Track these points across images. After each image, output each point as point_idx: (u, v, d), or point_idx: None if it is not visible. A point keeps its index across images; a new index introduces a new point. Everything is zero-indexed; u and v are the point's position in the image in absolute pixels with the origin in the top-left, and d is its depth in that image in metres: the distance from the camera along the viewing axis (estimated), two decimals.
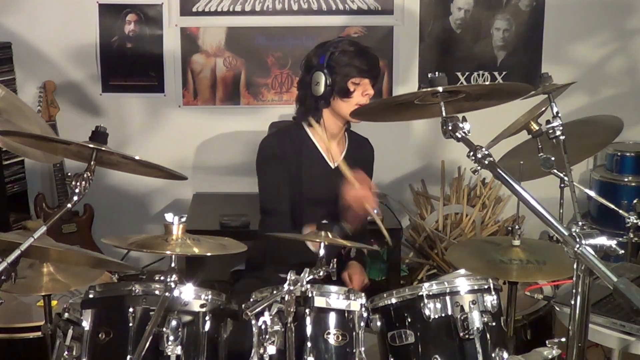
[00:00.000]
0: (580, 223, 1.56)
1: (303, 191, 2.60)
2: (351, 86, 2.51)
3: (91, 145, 1.80)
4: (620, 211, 2.63)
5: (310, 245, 2.41)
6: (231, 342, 2.04)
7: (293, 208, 2.61)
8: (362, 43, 2.62)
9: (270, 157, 2.61)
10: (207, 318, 1.95)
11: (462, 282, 2.01)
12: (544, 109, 2.44)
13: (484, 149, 1.66)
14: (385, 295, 2.03)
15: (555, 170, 2.44)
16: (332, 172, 2.64)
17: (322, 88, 2.51)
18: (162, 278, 1.82)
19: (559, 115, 2.37)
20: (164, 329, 1.83)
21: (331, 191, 2.60)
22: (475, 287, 2.01)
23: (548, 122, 2.38)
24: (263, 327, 1.84)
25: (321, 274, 1.94)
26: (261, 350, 1.84)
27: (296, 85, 2.71)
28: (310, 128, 2.62)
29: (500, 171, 1.63)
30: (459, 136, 1.71)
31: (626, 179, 4.03)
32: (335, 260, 1.99)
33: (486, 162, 1.65)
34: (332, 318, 1.94)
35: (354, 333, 1.95)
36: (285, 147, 2.60)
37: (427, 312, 1.97)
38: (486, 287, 2.01)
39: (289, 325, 1.82)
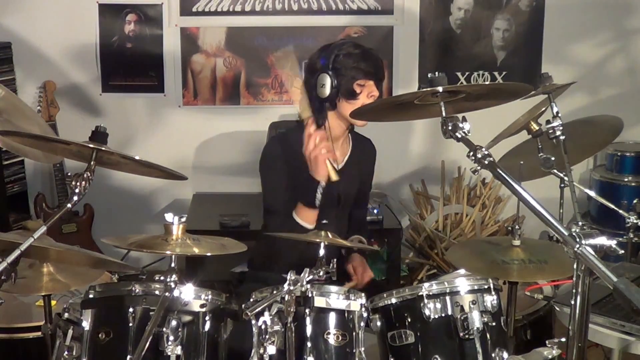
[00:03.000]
0: (580, 223, 1.56)
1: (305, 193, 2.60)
2: (357, 88, 2.50)
3: (91, 145, 1.80)
4: (620, 211, 2.63)
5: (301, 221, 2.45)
6: (231, 342, 2.04)
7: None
8: (363, 43, 2.62)
9: (275, 159, 2.61)
10: (207, 318, 1.95)
11: (462, 282, 2.01)
12: (544, 109, 2.44)
13: (484, 149, 1.66)
14: (385, 295, 2.03)
15: (555, 170, 2.44)
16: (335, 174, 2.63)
17: (327, 90, 2.50)
18: (162, 278, 1.82)
19: (559, 115, 2.37)
20: (164, 329, 1.83)
21: (330, 188, 2.60)
22: (475, 287, 2.01)
23: (548, 122, 2.37)
24: (263, 327, 1.84)
25: (321, 274, 1.94)
26: (261, 350, 1.84)
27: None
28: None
29: (500, 171, 1.63)
30: (459, 136, 1.70)
31: (626, 179, 4.03)
32: (335, 260, 1.99)
33: (486, 162, 1.65)
34: (332, 318, 1.94)
35: (354, 333, 1.95)
36: (290, 148, 2.59)
37: (427, 312, 1.97)
38: (486, 287, 2.01)
39: (289, 325, 1.82)
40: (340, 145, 2.66)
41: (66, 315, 2.00)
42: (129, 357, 1.87)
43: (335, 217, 2.63)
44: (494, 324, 1.97)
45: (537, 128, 2.45)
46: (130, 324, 1.90)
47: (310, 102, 2.58)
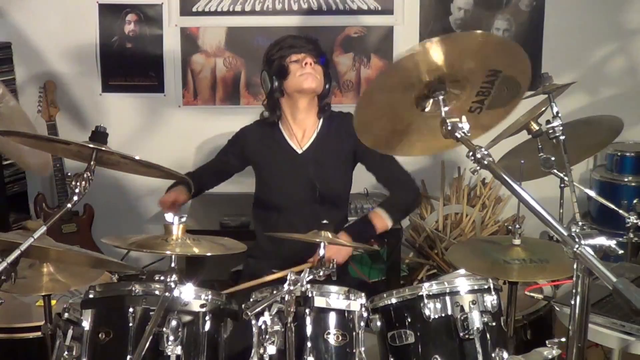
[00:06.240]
0: (580, 223, 1.56)
1: (271, 175, 2.79)
2: (290, 64, 2.66)
3: (91, 145, 1.80)
4: (620, 211, 2.63)
5: None
6: (231, 342, 2.04)
7: (264, 192, 2.82)
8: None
9: (235, 139, 2.88)
10: (207, 318, 1.95)
11: (462, 282, 2.01)
12: (544, 109, 2.44)
13: (483, 149, 1.65)
14: (385, 295, 2.03)
15: (555, 170, 2.44)
16: (299, 157, 2.76)
17: (268, 82, 2.70)
18: (162, 278, 1.82)
19: (559, 115, 2.37)
20: (164, 329, 1.83)
21: (298, 174, 2.73)
22: (475, 287, 2.01)
23: (548, 122, 2.38)
24: (263, 327, 1.84)
25: (321, 274, 1.94)
26: (261, 350, 1.84)
27: None
28: (279, 120, 2.79)
29: (500, 171, 1.63)
30: (459, 136, 1.70)
31: (626, 179, 4.02)
32: (334, 260, 2.00)
33: (486, 162, 1.64)
34: (332, 318, 1.94)
35: (354, 333, 1.95)
36: (256, 134, 2.81)
37: (427, 312, 1.97)
38: (486, 287, 2.01)
39: (289, 325, 1.83)
40: (309, 127, 2.76)
41: (66, 315, 1.99)
42: (129, 357, 1.87)
43: (313, 209, 2.70)
44: (494, 324, 1.97)
45: (537, 128, 2.45)
46: (130, 324, 1.90)
47: (269, 102, 2.76)
